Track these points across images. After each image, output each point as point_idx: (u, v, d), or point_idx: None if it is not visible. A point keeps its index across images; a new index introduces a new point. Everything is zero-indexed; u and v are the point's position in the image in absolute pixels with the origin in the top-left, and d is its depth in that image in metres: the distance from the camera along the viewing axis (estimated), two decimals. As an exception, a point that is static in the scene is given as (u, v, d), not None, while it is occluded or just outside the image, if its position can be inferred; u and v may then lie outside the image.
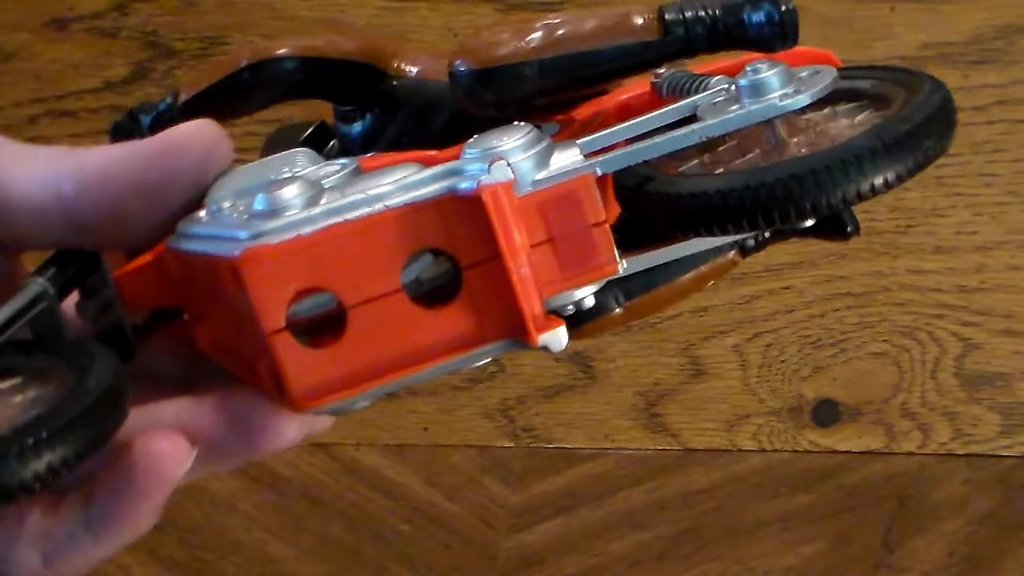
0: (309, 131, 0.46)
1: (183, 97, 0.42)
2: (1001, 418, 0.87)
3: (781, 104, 0.37)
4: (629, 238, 0.38)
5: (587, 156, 0.37)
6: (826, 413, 0.88)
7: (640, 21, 0.39)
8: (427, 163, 0.39)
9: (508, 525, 0.86)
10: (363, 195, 0.36)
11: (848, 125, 0.38)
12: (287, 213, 0.36)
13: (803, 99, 0.37)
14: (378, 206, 0.36)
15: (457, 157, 0.38)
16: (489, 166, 0.36)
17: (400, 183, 0.36)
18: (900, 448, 0.87)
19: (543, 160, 0.36)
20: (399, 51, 0.43)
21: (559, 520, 0.86)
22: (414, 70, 0.43)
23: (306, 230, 0.35)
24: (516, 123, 0.37)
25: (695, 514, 0.85)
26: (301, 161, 0.40)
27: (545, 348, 0.37)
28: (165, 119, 0.42)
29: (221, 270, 0.36)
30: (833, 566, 0.82)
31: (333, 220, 0.35)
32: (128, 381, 0.37)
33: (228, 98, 0.43)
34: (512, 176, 0.36)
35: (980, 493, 0.85)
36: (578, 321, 0.39)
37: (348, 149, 0.44)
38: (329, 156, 0.44)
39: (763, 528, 0.84)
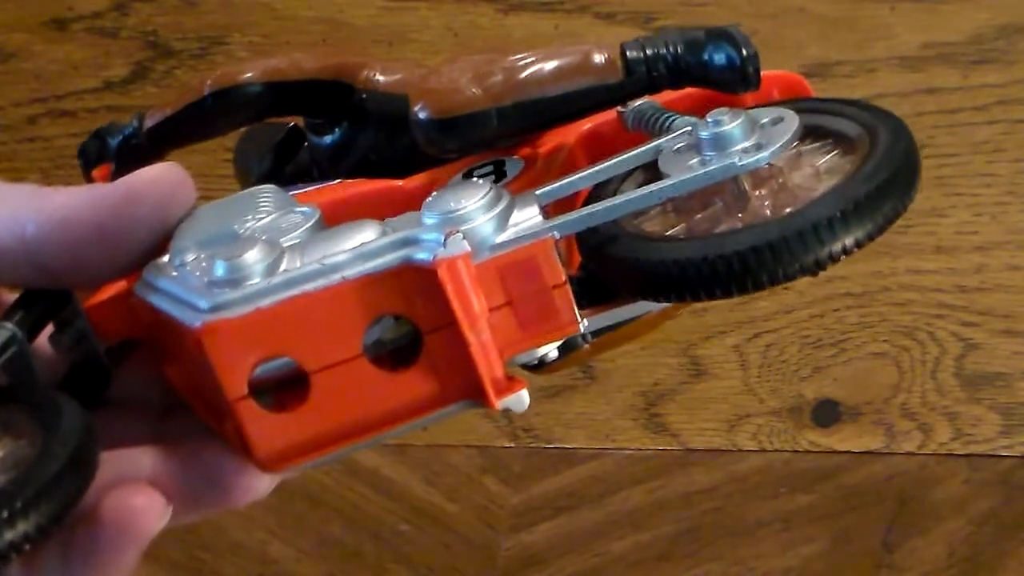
0: (281, 136, 0.45)
1: (148, 123, 0.42)
2: (1001, 418, 0.87)
3: (740, 164, 0.36)
4: (591, 290, 0.38)
5: (549, 209, 0.37)
6: (826, 413, 0.88)
7: (602, 60, 0.39)
8: (395, 196, 0.39)
9: (508, 525, 0.86)
10: (320, 265, 0.36)
11: (812, 173, 0.38)
12: (247, 283, 0.36)
13: (764, 157, 0.37)
14: (335, 277, 0.36)
15: (424, 189, 0.38)
16: (445, 239, 0.35)
17: (357, 251, 0.36)
18: (900, 448, 0.87)
19: (503, 221, 0.36)
20: (367, 62, 0.43)
21: (559, 520, 0.86)
22: (383, 79, 0.42)
23: (265, 302, 0.36)
24: (476, 179, 0.37)
25: (695, 514, 0.85)
26: (264, 205, 0.40)
27: (507, 410, 0.37)
28: (131, 144, 0.42)
29: (185, 335, 0.37)
30: (833, 566, 0.82)
31: (291, 292, 0.36)
32: (95, 441, 0.37)
33: (193, 125, 0.43)
34: (469, 248, 0.36)
35: (980, 493, 0.85)
36: (543, 364, 0.40)
37: (317, 160, 0.44)
38: (301, 161, 0.44)
39: (763, 528, 0.84)
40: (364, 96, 0.42)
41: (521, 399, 0.37)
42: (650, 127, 0.40)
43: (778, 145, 0.37)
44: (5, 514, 0.34)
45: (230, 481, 0.39)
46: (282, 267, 0.36)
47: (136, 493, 0.37)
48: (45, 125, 0.90)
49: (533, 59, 0.39)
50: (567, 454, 0.89)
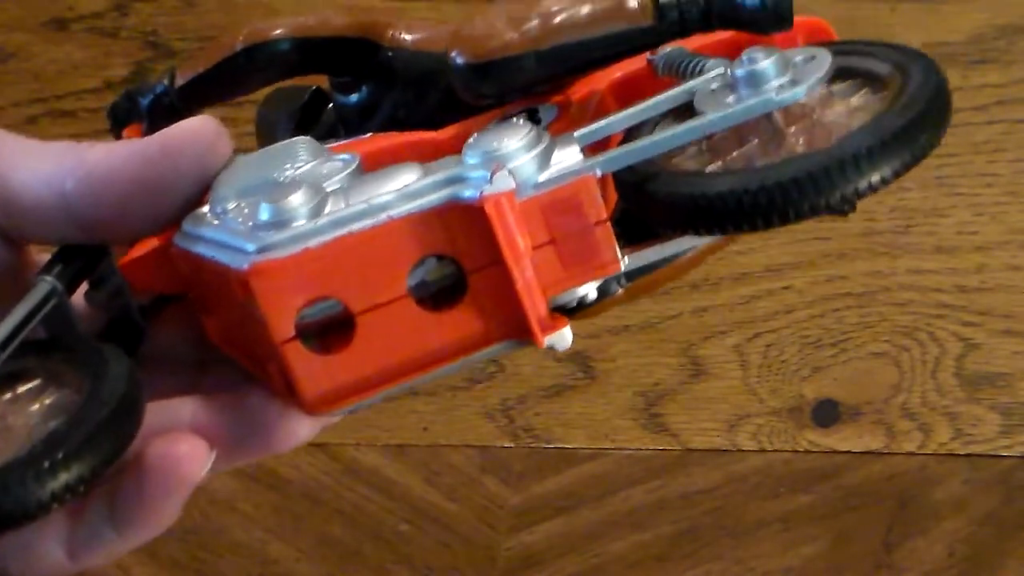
0: (305, 98, 0.46)
1: (180, 81, 0.42)
2: (1001, 418, 0.87)
3: (777, 99, 0.37)
4: (630, 230, 0.38)
5: (586, 151, 0.37)
6: (826, 413, 0.88)
7: (635, 4, 0.39)
8: (428, 148, 0.39)
9: (508, 525, 0.86)
10: (366, 205, 0.36)
11: (844, 111, 0.38)
12: (293, 224, 0.36)
13: (799, 92, 0.37)
14: (382, 216, 0.36)
15: (457, 140, 0.37)
16: (491, 175, 0.36)
17: (403, 192, 0.36)
18: (900, 448, 0.87)
19: (544, 160, 0.36)
20: (393, 21, 0.43)
21: (559, 520, 0.86)
22: (409, 38, 0.43)
23: (313, 242, 0.36)
24: (515, 120, 0.37)
25: (695, 514, 0.85)
26: (302, 155, 0.40)
27: (551, 347, 0.37)
28: (163, 103, 0.42)
29: (231, 279, 0.37)
30: (833, 566, 0.82)
31: (339, 232, 0.36)
32: (141, 388, 0.37)
33: (224, 82, 0.43)
34: (514, 184, 0.36)
35: (980, 493, 0.84)
36: (581, 306, 0.40)
37: (345, 118, 0.44)
38: (325, 124, 0.44)
39: (763, 528, 0.84)
40: (391, 54, 0.43)
41: (564, 336, 0.37)
42: (681, 72, 0.40)
43: (813, 79, 0.37)
44: (47, 464, 0.34)
45: (273, 426, 0.39)
46: (327, 209, 0.36)
47: (180, 440, 0.38)
48: (45, 125, 0.90)
49: (567, 4, 0.39)
50: (567, 454, 0.89)
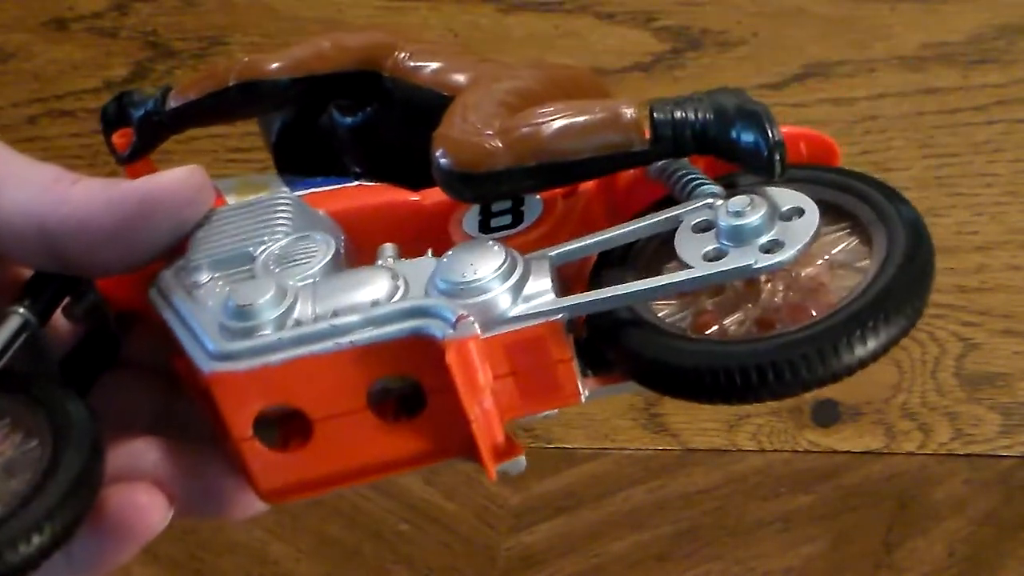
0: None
1: (171, 103, 0.42)
2: (1001, 418, 0.87)
3: (758, 267, 0.36)
4: (593, 355, 0.38)
5: (560, 273, 0.37)
6: (826, 413, 0.88)
7: (629, 119, 0.38)
8: (410, 214, 0.40)
9: (508, 525, 0.86)
10: (330, 326, 0.36)
11: (825, 268, 0.38)
12: (258, 333, 0.36)
13: (783, 261, 0.36)
14: (344, 342, 0.36)
15: (440, 210, 0.38)
16: (456, 323, 0.36)
17: (368, 316, 0.36)
18: (900, 448, 0.87)
19: (516, 292, 0.36)
20: (397, 43, 0.43)
21: (559, 520, 0.86)
22: (413, 65, 0.42)
23: (274, 359, 0.36)
24: (491, 244, 0.37)
25: (695, 514, 0.85)
26: (282, 223, 0.40)
27: (504, 473, 0.38)
28: (153, 120, 0.42)
29: (194, 369, 0.37)
30: (833, 566, 0.82)
31: (300, 351, 0.36)
32: (102, 447, 0.38)
33: (216, 112, 0.43)
34: (478, 332, 0.36)
35: (980, 493, 0.85)
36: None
37: (339, 137, 0.44)
38: (322, 125, 0.44)
39: (763, 528, 0.84)
40: (391, 84, 0.42)
41: (518, 464, 0.38)
42: (671, 182, 0.39)
43: (796, 249, 0.36)
44: (11, 537, 0.35)
45: (229, 497, 0.40)
46: (294, 315, 0.37)
47: (141, 491, 0.38)
48: (45, 125, 0.90)
49: (559, 115, 0.38)
50: (567, 454, 0.89)
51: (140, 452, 0.39)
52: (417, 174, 0.41)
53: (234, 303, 0.37)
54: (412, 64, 0.42)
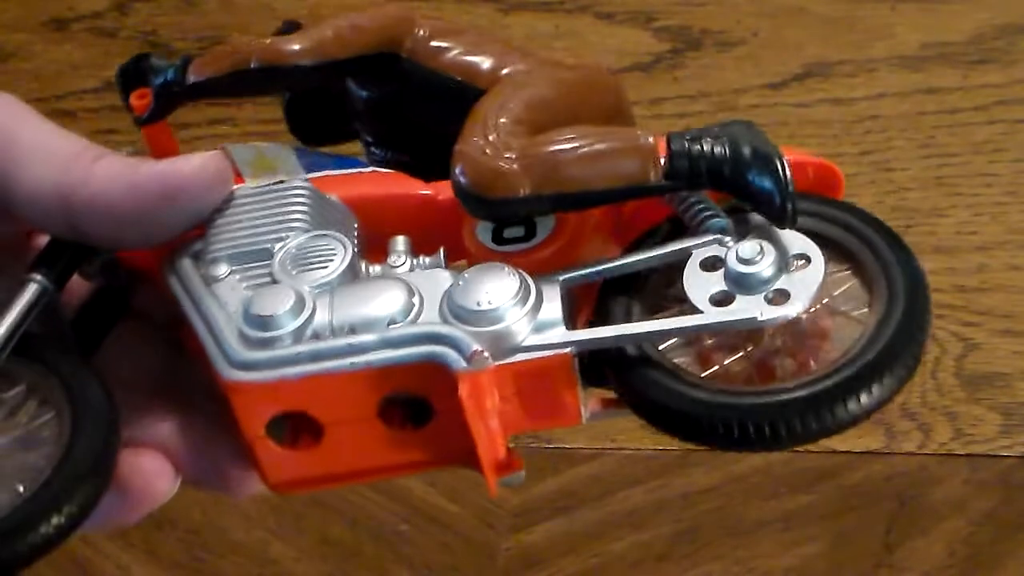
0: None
1: (192, 77, 0.43)
2: (1001, 418, 0.87)
3: (764, 318, 0.37)
4: (595, 373, 0.39)
5: (569, 290, 0.38)
6: (826, 413, 0.88)
7: (647, 150, 0.38)
8: (422, 207, 0.41)
9: (508, 525, 0.86)
10: (347, 345, 0.37)
11: (826, 313, 0.38)
12: (276, 345, 0.38)
13: (789, 314, 0.37)
14: (360, 362, 0.37)
15: (453, 206, 0.38)
16: (470, 358, 0.37)
17: (383, 338, 0.37)
18: (900, 448, 0.87)
19: (530, 320, 0.37)
20: (415, 20, 0.43)
21: (559, 520, 0.86)
22: (432, 46, 0.42)
23: (291, 372, 0.37)
24: (506, 270, 0.38)
25: (695, 514, 0.85)
26: (299, 216, 0.41)
27: (505, 485, 0.39)
28: (172, 91, 0.43)
29: (210, 369, 0.38)
30: (833, 566, 0.82)
31: (317, 367, 0.37)
32: (118, 434, 0.39)
33: (236, 90, 0.44)
34: (491, 365, 0.37)
35: (980, 493, 0.84)
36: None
37: (355, 107, 0.44)
38: (337, 92, 0.44)
39: (763, 528, 0.84)
40: (410, 67, 0.42)
41: (518, 478, 0.39)
42: (681, 208, 0.40)
43: (801, 303, 0.37)
44: (24, 522, 0.36)
45: (235, 477, 0.41)
46: (312, 326, 0.38)
47: (151, 458, 0.40)
48: (45, 125, 0.90)
49: (579, 145, 0.39)
50: (567, 454, 0.89)
51: (152, 421, 0.41)
52: (428, 156, 0.42)
53: (255, 312, 0.38)
54: (432, 45, 0.42)
